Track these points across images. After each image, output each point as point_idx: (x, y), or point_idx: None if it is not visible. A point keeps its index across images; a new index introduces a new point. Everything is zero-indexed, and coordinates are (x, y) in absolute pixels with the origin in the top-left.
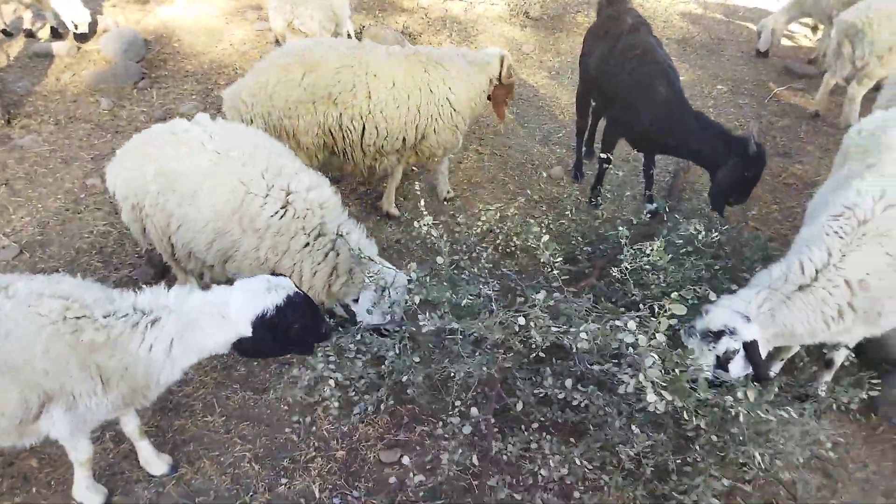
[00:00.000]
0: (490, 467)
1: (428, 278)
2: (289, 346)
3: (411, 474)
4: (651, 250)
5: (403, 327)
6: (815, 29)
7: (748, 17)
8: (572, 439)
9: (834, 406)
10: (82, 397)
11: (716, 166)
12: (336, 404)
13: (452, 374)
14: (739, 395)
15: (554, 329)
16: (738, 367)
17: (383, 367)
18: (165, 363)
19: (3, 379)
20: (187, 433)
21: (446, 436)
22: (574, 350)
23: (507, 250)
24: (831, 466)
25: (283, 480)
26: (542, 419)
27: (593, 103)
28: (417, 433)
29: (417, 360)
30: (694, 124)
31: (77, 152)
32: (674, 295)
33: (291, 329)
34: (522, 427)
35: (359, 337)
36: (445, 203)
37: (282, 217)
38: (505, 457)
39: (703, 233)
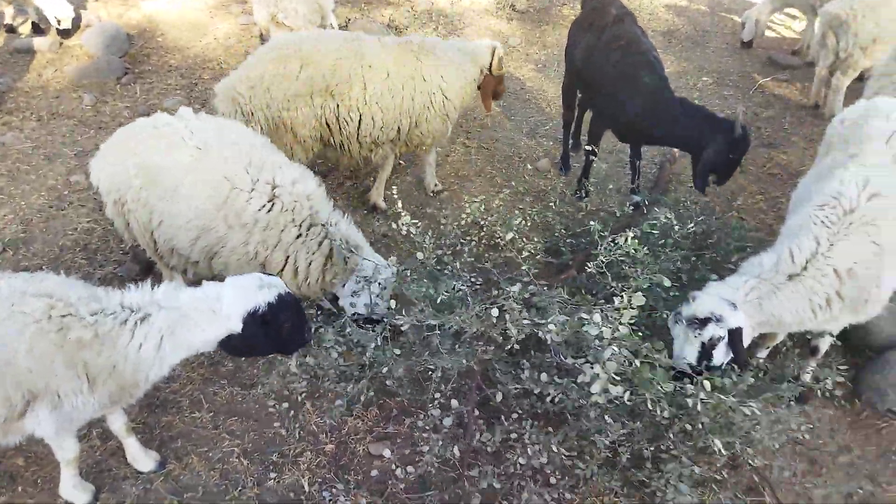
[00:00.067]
0: (472, 458)
1: (409, 272)
2: (278, 343)
3: (399, 466)
4: (625, 242)
5: (386, 319)
6: (794, 18)
7: (732, 8)
8: (550, 429)
9: (819, 393)
10: (68, 396)
11: (701, 150)
12: (316, 395)
13: (432, 368)
14: (695, 386)
15: (525, 322)
16: (722, 354)
17: (364, 358)
18: (155, 360)
19: None
20: (175, 429)
21: (427, 428)
22: (549, 342)
23: (492, 243)
24: (818, 453)
25: (272, 475)
26: (522, 411)
27: (579, 95)
28: (406, 425)
29: (398, 352)
30: (679, 111)
31: (60, 149)
32: (635, 285)
33: (283, 327)
34: (503, 417)
35: (340, 329)
36: (433, 195)
37: (269, 211)
38: (487, 448)
39: (677, 224)
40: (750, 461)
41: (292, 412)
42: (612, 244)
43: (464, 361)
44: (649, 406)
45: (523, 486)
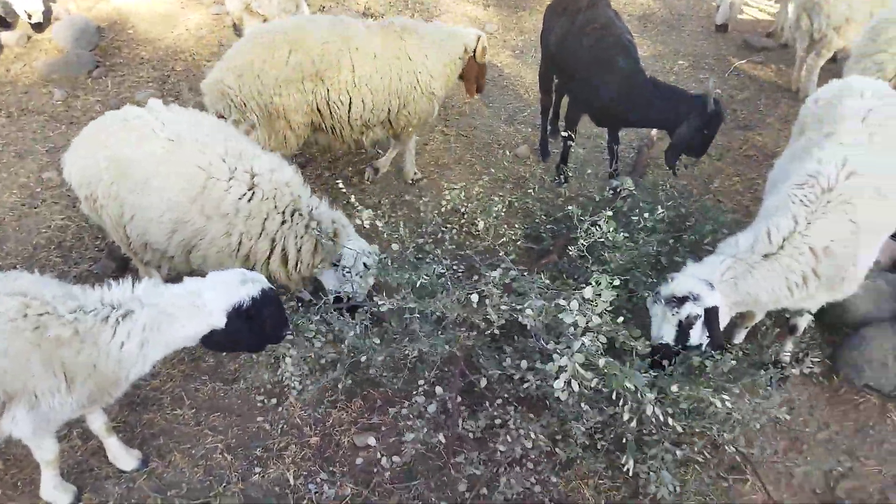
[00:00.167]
0: (457, 445)
1: (390, 260)
2: (261, 338)
3: (385, 456)
4: (604, 222)
5: (366, 307)
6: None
7: None
8: (531, 415)
9: (797, 371)
10: (45, 396)
11: (677, 127)
12: (296, 384)
13: (411, 354)
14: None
15: (503, 307)
16: (699, 334)
17: (342, 345)
18: (138, 357)
19: None
20: (156, 427)
21: (411, 415)
22: (529, 327)
23: (473, 231)
24: (798, 431)
25: (257, 469)
26: (507, 395)
27: (555, 80)
28: (391, 415)
29: (378, 341)
30: (653, 93)
31: (31, 145)
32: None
33: (266, 321)
34: (487, 403)
35: (318, 317)
36: (412, 184)
37: (250, 200)
38: (471, 434)
39: (647, 205)
40: (727, 445)
41: (276, 405)
42: (592, 226)
43: (446, 347)
44: (618, 402)
45: (507, 471)
